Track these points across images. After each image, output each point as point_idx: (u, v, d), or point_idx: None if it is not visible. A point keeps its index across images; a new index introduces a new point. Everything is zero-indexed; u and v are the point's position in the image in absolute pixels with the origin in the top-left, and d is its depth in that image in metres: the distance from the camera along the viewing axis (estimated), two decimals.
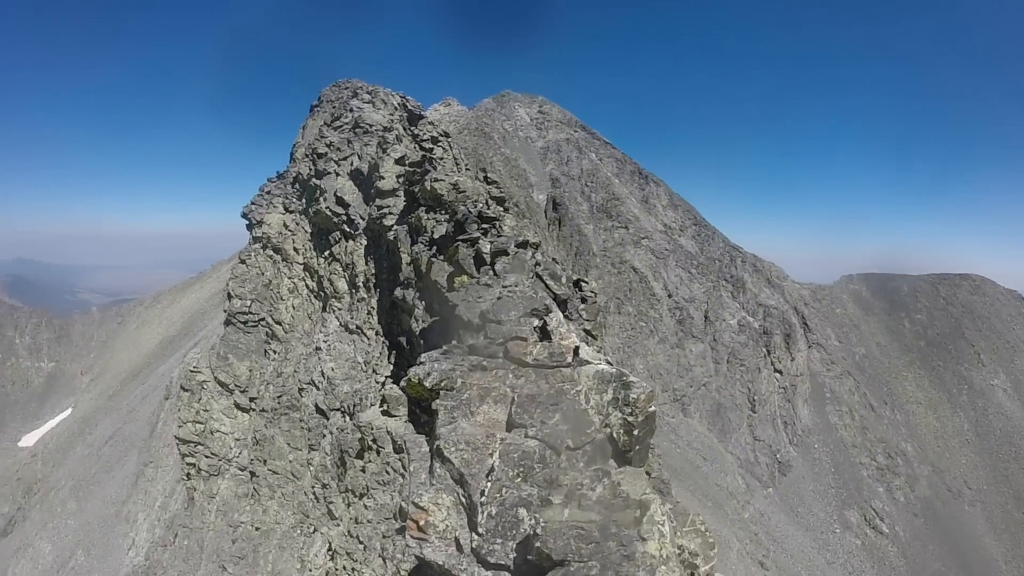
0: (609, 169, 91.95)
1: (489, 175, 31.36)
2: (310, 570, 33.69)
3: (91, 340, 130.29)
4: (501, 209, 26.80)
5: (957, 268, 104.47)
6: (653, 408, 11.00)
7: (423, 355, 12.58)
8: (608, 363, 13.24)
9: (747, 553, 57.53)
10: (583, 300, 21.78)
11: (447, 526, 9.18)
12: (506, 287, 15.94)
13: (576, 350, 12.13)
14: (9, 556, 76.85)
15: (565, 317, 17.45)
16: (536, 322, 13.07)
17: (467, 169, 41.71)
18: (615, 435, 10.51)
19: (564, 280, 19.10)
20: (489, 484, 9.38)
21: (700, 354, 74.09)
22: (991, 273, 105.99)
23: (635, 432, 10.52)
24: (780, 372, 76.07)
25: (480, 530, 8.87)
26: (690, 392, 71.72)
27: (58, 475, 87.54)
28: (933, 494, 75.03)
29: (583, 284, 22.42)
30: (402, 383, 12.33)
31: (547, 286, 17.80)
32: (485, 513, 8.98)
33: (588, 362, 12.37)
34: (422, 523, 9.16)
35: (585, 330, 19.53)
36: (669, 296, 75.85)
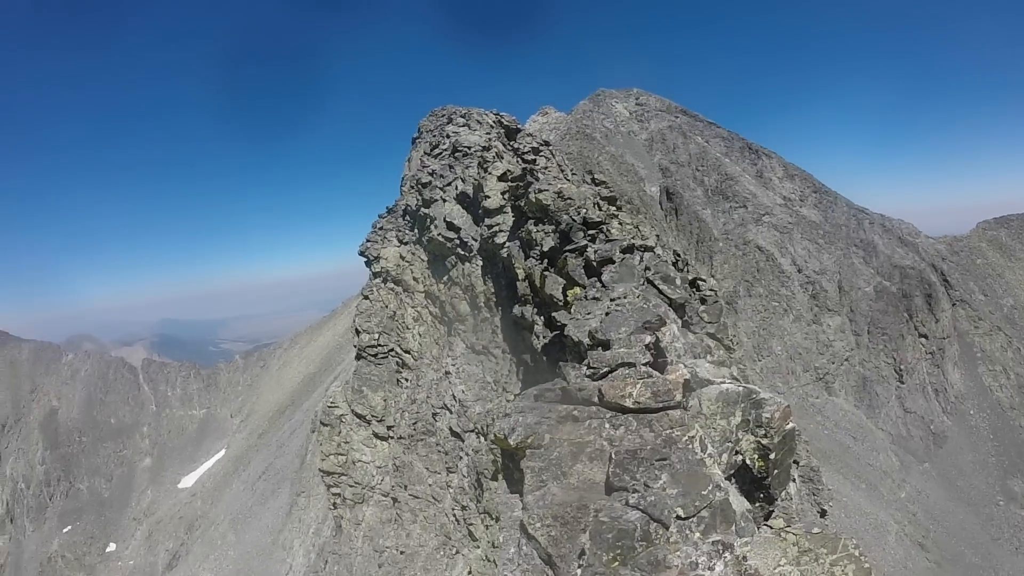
0: (717, 149, 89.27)
1: (596, 176, 30.82)
2: None
3: (237, 385, 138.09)
4: (613, 208, 26.20)
5: None
6: (791, 425, 9.77)
7: (510, 405, 11.31)
8: (734, 379, 12.01)
9: (906, 535, 54.13)
10: (703, 301, 19.78)
11: None
12: (614, 300, 14.99)
13: (686, 383, 10.23)
14: None
15: (684, 323, 16.39)
16: (648, 338, 11.74)
17: (573, 174, 41.25)
18: (748, 461, 9.58)
19: (679, 282, 17.83)
20: (580, 571, 7.96)
21: (839, 327, 70.40)
22: None
23: (772, 456, 9.47)
24: (925, 336, 71.25)
25: None
26: (832, 369, 68.26)
27: (217, 511, 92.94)
28: None
29: (701, 283, 20.55)
30: (490, 437, 11.71)
31: (660, 291, 16.67)
32: None
33: (710, 382, 10.98)
34: None
35: (708, 333, 17.81)
36: (799, 271, 72.57)
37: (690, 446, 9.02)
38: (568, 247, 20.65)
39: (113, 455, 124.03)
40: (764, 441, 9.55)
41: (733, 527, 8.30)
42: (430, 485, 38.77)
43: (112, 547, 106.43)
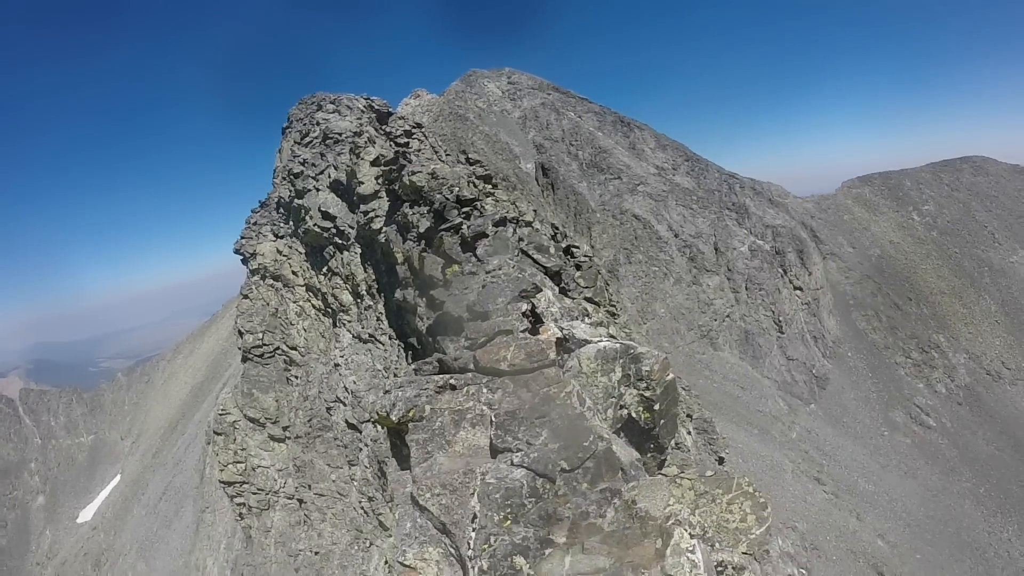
0: (590, 124, 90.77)
1: (470, 156, 30.87)
2: None
3: (123, 405, 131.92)
4: (489, 186, 26.26)
5: (956, 154, 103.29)
6: (671, 376, 9.90)
7: (388, 382, 11.50)
8: (611, 337, 12.19)
9: (801, 472, 57.25)
10: (578, 267, 19.97)
11: None
12: (490, 272, 14.99)
13: (559, 342, 10.31)
14: None
15: (561, 290, 16.53)
16: (524, 306, 11.82)
17: (447, 155, 41.13)
18: (634, 414, 9.64)
19: (553, 251, 17.95)
20: (474, 534, 7.92)
21: (717, 286, 73.22)
22: (991, 152, 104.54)
23: (656, 407, 9.57)
24: (800, 289, 75.22)
25: None
26: (715, 325, 70.99)
27: (122, 541, 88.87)
28: (973, 380, 74.47)
29: (575, 250, 20.78)
30: (372, 416, 11.63)
31: (535, 261, 16.87)
32: (476, 568, 7.66)
33: (587, 341, 11.02)
34: None
35: (586, 298, 18.04)
36: (675, 236, 74.90)
37: (568, 401, 9.02)
38: (443, 226, 20.56)
39: (3, 498, 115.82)
40: (647, 393, 9.67)
41: (619, 473, 8.40)
42: (334, 481, 38.23)
43: None
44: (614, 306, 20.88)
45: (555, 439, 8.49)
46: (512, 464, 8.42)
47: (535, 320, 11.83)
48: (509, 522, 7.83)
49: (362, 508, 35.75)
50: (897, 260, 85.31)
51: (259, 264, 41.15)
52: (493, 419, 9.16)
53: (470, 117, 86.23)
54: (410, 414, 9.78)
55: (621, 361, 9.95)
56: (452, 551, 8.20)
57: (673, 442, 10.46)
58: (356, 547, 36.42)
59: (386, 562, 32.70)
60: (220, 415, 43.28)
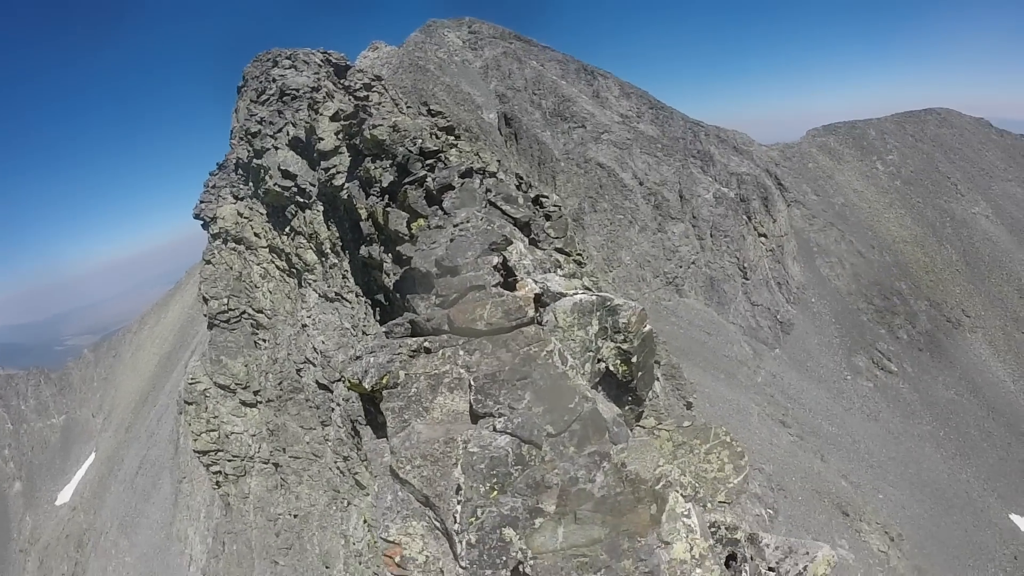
0: (553, 72, 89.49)
1: (432, 107, 30.17)
2: (353, 543, 33.71)
3: (92, 382, 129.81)
4: (451, 138, 25.69)
5: (921, 106, 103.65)
6: (648, 327, 9.63)
7: (359, 347, 10.91)
8: (586, 289, 11.83)
9: (767, 415, 58.13)
10: (547, 217, 19.25)
11: (427, 556, 7.56)
12: (458, 225, 14.49)
13: (537, 298, 9.76)
14: None
15: (531, 241, 16.08)
16: (495, 259, 11.26)
17: (408, 107, 40.29)
18: (612, 368, 9.39)
19: (522, 201, 17.38)
20: (460, 506, 7.56)
21: (683, 234, 73.13)
22: (956, 106, 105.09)
23: (634, 359, 9.32)
24: (765, 236, 75.36)
25: (463, 563, 7.25)
26: (680, 272, 71.15)
27: (103, 520, 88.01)
28: (934, 327, 75.61)
29: (544, 199, 20.11)
30: (345, 383, 11.11)
31: (503, 212, 16.29)
32: (463, 542, 7.36)
33: (562, 294, 10.61)
34: (398, 559, 7.53)
35: (557, 248, 17.45)
36: (640, 184, 74.51)
37: (550, 360, 8.64)
38: (407, 179, 20.04)
39: None
40: (624, 346, 9.45)
41: (607, 435, 8.01)
42: (308, 443, 38.02)
43: None
44: (580, 255, 20.43)
45: (539, 402, 8.15)
46: (495, 431, 8.03)
47: (507, 273, 11.40)
48: (496, 492, 7.54)
49: (338, 468, 35.63)
50: (861, 208, 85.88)
51: (220, 228, 40.29)
52: (472, 383, 8.67)
53: (430, 68, 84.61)
54: (383, 381, 9.26)
55: (598, 314, 9.68)
56: (437, 524, 7.83)
57: (650, 392, 10.21)
58: (334, 507, 36.38)
59: (365, 521, 32.70)
60: (190, 384, 42.74)
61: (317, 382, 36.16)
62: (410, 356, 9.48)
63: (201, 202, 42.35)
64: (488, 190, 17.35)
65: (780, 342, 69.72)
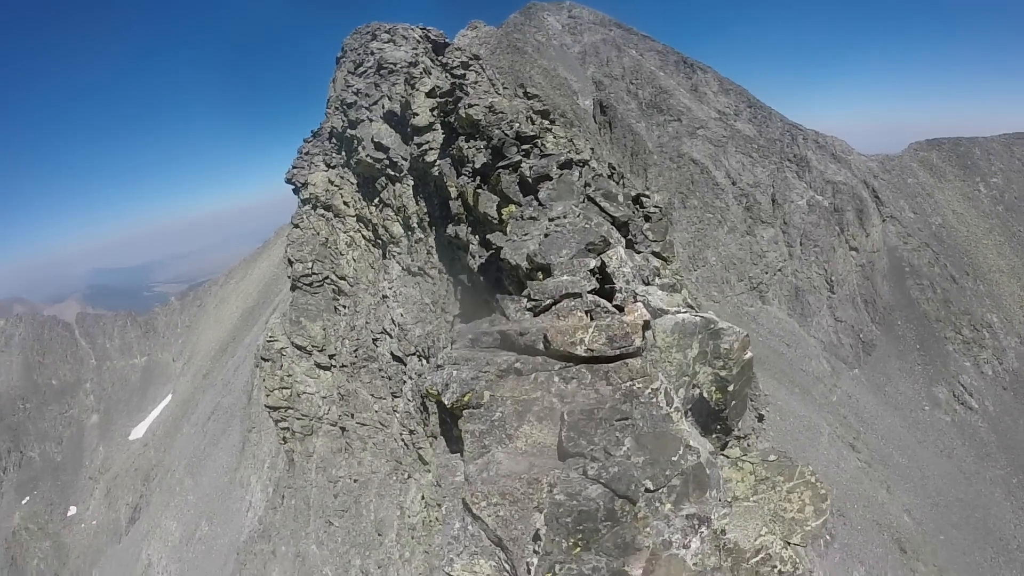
0: (652, 63, 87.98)
1: (529, 90, 29.94)
2: (408, 516, 34.09)
3: (176, 328, 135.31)
4: (546, 122, 25.43)
5: None
6: (749, 354, 8.91)
7: (441, 354, 9.41)
8: (688, 307, 10.87)
9: (837, 437, 55.98)
10: (647, 218, 17.90)
11: None
12: (553, 219, 13.75)
13: (646, 324, 8.59)
14: (141, 540, 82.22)
15: (628, 242, 15.25)
16: (592, 262, 10.68)
17: (505, 88, 40.13)
18: (706, 394, 8.71)
19: (622, 199, 16.43)
20: (536, 558, 6.83)
21: (772, 239, 71.07)
22: None
23: (730, 387, 8.64)
24: (856, 250, 72.33)
25: None
26: (766, 279, 69.25)
27: (171, 458, 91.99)
28: (1022, 366, 71.21)
29: (644, 199, 18.87)
30: (422, 390, 10.68)
31: (602, 209, 15.41)
32: None
33: (664, 311, 9.70)
34: None
35: (654, 252, 16.25)
36: (733, 184, 72.77)
37: (654, 400, 7.74)
38: (501, 163, 19.79)
39: (59, 417, 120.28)
40: (723, 373, 8.82)
41: (708, 493, 7.34)
42: (376, 411, 38.55)
43: (73, 510, 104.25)
44: (672, 257, 19.64)
45: (639, 450, 7.27)
46: (586, 476, 7.21)
47: (603, 279, 10.73)
48: (579, 549, 6.79)
49: (403, 440, 36.05)
50: (959, 231, 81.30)
51: (310, 194, 41.01)
52: (565, 416, 7.73)
53: (528, 50, 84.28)
54: (466, 399, 8.52)
55: (700, 336, 8.97)
56: (506, 569, 7.33)
57: (739, 422, 9.71)
58: (394, 478, 36.85)
59: (422, 497, 32.99)
60: (268, 342, 43.81)
61: (392, 353, 36.56)
62: (498, 376, 8.68)
63: (294, 167, 43.14)
64: (587, 184, 16.77)
65: (860, 362, 67.23)
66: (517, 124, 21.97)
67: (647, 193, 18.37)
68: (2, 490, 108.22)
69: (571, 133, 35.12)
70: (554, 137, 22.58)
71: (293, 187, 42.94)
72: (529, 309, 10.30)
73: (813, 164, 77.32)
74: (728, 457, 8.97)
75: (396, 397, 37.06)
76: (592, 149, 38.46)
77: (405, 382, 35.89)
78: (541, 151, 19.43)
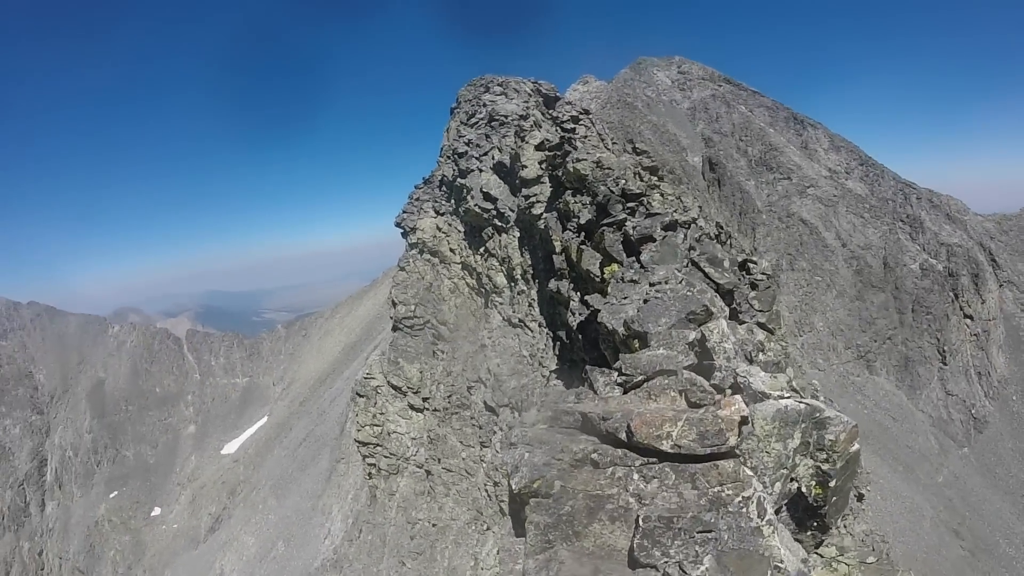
0: (761, 119, 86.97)
1: (637, 146, 29.91)
2: (482, 569, 33.81)
3: (279, 354, 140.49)
4: (655, 178, 25.27)
5: None
6: (856, 447, 8.25)
7: (516, 431, 8.67)
8: (793, 391, 10.19)
9: (941, 521, 52.31)
10: (753, 285, 17.01)
11: None
12: (654, 284, 13.29)
13: (743, 420, 7.58)
14: (217, 550, 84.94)
15: (732, 311, 14.78)
16: (692, 335, 10.14)
17: (614, 143, 40.29)
18: (804, 489, 8.14)
19: (728, 264, 15.86)
20: None
21: (882, 304, 68.06)
22: None
23: (832, 483, 8.01)
24: (971, 317, 68.13)
25: None
26: (875, 347, 66.07)
27: (258, 476, 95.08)
28: None
29: (751, 265, 18.02)
30: (500, 473, 10.17)
31: (706, 275, 14.94)
32: None
33: (765, 396, 8.97)
34: None
35: (759, 323, 15.42)
36: (843, 245, 70.48)
37: (744, 510, 6.88)
38: (605, 220, 19.73)
39: (158, 423, 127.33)
40: (825, 467, 8.21)
41: None
42: (463, 459, 38.63)
43: (157, 511, 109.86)
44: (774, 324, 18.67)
45: (720, 572, 6.44)
46: None
47: (702, 354, 10.17)
48: None
49: (486, 491, 35.97)
50: None
51: (418, 239, 41.94)
52: (641, 521, 6.81)
53: (638, 106, 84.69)
54: (535, 486, 7.65)
55: (803, 426, 8.35)
56: None
57: (839, 519, 9.06)
58: (474, 527, 36.73)
59: (498, 551, 32.69)
60: (365, 378, 44.75)
61: (485, 402, 36.70)
62: (572, 465, 7.83)
63: (404, 212, 44.26)
64: (691, 247, 16.45)
65: (970, 440, 62.93)
66: (624, 181, 21.89)
67: (754, 259, 17.65)
68: (93, 481, 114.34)
69: (679, 190, 34.95)
70: (661, 195, 22.36)
71: (402, 231, 44.01)
72: (619, 384, 9.70)
73: (927, 225, 73.91)
74: (822, 556, 8.44)
75: (484, 447, 37.09)
76: (700, 207, 38.10)
77: (495, 432, 35.91)
78: (647, 209, 19.21)
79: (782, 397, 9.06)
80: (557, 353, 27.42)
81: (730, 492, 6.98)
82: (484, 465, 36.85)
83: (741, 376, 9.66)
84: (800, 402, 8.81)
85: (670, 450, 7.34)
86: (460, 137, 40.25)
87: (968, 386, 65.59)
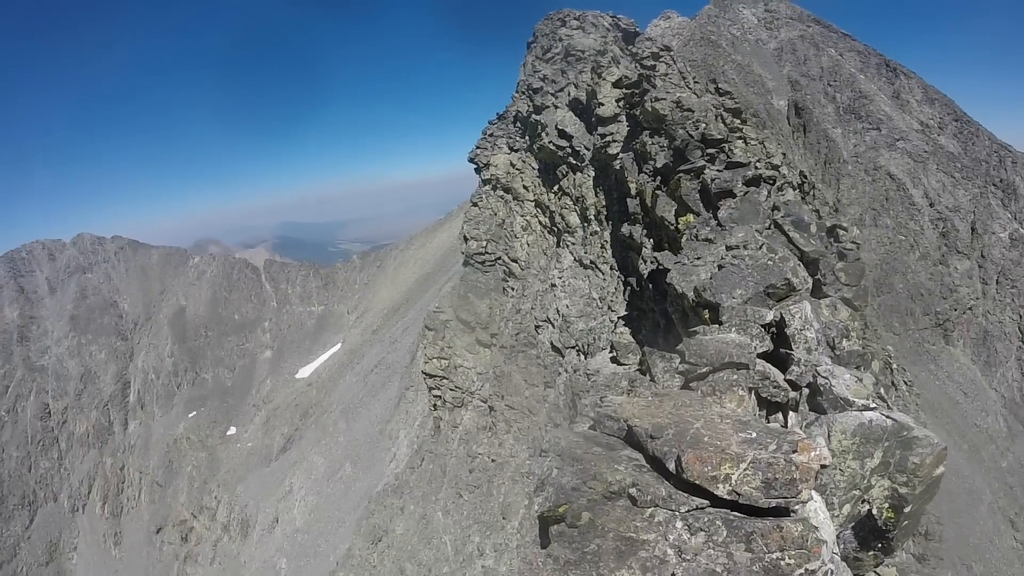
0: (852, 64, 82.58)
1: (721, 86, 28.76)
2: (536, 508, 34.21)
3: (354, 284, 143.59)
4: (738, 121, 24.37)
5: None
6: (941, 470, 7.24)
7: (549, 436, 7.31)
8: (880, 399, 9.15)
9: (998, 508, 49.57)
10: (841, 256, 15.09)
11: None
12: (732, 248, 12.00)
13: (824, 467, 6.06)
14: (287, 468, 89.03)
15: (816, 283, 13.22)
16: (770, 315, 8.96)
17: (696, 83, 39.02)
18: (875, 511, 7.16)
19: (814, 229, 14.14)
20: None
21: (966, 272, 64.25)
22: None
23: (907, 508, 7.04)
24: None
25: None
26: (954, 316, 62.25)
27: (330, 400, 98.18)
28: None
29: (841, 232, 16.54)
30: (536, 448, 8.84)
31: (790, 240, 13.40)
32: None
33: (847, 404, 7.91)
34: None
35: (844, 299, 13.66)
36: (931, 205, 66.83)
37: None
38: (683, 167, 19.00)
39: (236, 348, 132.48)
40: (903, 491, 7.16)
41: None
42: (527, 397, 38.89)
43: (232, 431, 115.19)
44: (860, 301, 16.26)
45: None
46: None
47: (779, 340, 9.09)
48: None
49: (547, 431, 36.20)
50: None
51: (491, 175, 41.72)
52: None
53: (722, 44, 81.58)
54: (560, 511, 6.34)
55: (886, 444, 7.35)
56: None
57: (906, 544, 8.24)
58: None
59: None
60: (435, 312, 45.28)
61: (552, 343, 36.72)
62: (605, 497, 6.36)
63: (478, 147, 43.99)
64: (776, 207, 15.08)
65: None
66: (704, 125, 21.02)
67: (844, 225, 16.12)
68: (173, 402, 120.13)
69: (763, 135, 33.70)
70: (744, 143, 21.49)
71: (475, 167, 43.83)
72: (681, 372, 8.51)
73: (1021, 192, 69.29)
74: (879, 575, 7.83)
75: (548, 387, 37.22)
76: (784, 154, 36.83)
77: (560, 374, 35.96)
78: (728, 157, 18.32)
79: (867, 408, 8.05)
80: (627, 299, 27.11)
81: (791, 562, 5.53)
82: (547, 405, 37.04)
83: (823, 377, 8.68)
84: (887, 416, 7.80)
85: (726, 496, 5.95)
86: (535, 72, 39.55)
87: None
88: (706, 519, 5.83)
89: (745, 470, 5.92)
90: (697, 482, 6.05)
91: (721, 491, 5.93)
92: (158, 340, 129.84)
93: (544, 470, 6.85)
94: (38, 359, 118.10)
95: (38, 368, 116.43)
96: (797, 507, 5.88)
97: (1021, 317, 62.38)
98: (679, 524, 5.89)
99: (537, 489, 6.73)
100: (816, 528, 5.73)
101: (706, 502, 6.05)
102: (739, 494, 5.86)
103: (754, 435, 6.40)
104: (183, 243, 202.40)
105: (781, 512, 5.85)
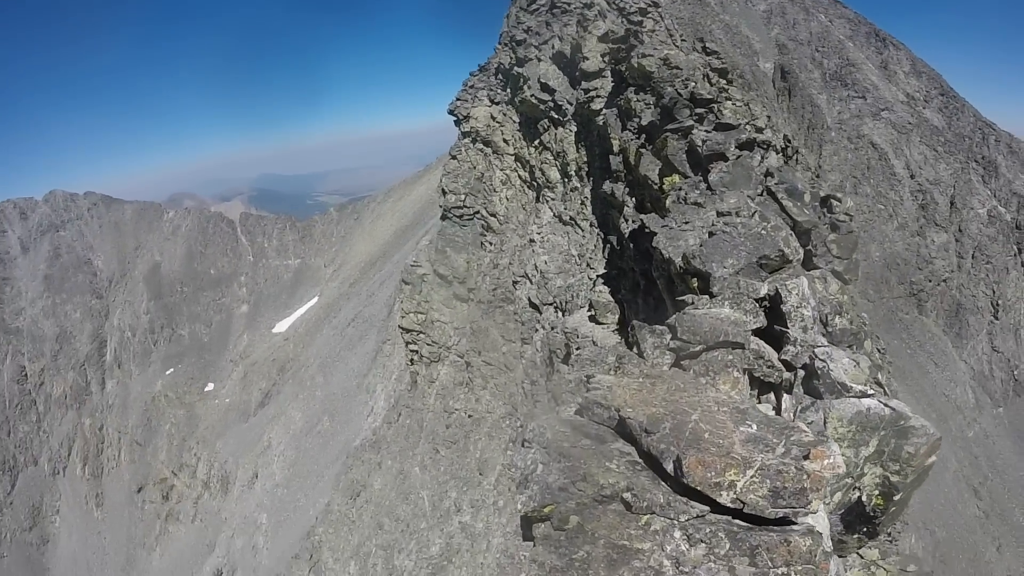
0: (841, 31, 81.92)
1: (708, 45, 28.28)
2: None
3: (331, 236, 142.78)
4: (724, 81, 23.97)
5: None
6: (933, 459, 7.07)
7: (532, 424, 6.75)
8: (878, 385, 8.69)
9: (963, 476, 50.81)
10: (834, 227, 14.50)
11: None
12: (723, 214, 11.60)
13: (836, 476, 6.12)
14: (266, 423, 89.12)
15: (807, 254, 12.83)
16: (764, 288, 8.58)
17: (683, 40, 38.36)
18: (865, 498, 6.95)
19: (808, 199, 13.77)
20: None
21: (943, 245, 64.49)
22: None
23: (897, 496, 6.87)
24: None
25: None
26: (928, 287, 62.98)
27: (307, 354, 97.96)
28: None
29: (834, 202, 15.80)
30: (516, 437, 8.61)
31: (783, 208, 12.97)
32: None
33: (845, 389, 7.56)
34: None
35: (834, 271, 13.07)
36: (911, 176, 66.78)
37: None
38: (670, 125, 18.57)
39: (212, 303, 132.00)
40: (894, 479, 7.03)
41: None
42: (504, 353, 38.78)
43: (210, 387, 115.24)
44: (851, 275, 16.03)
45: None
46: None
47: (773, 315, 8.69)
48: None
49: (523, 388, 36.12)
50: None
51: (471, 127, 40.97)
52: None
53: (711, 3, 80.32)
54: (545, 511, 5.85)
55: (882, 433, 7.11)
56: None
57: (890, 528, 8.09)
58: (507, 423, 37.19)
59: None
60: (412, 266, 44.87)
61: (529, 299, 36.46)
62: (598, 501, 5.85)
63: (458, 99, 43.11)
64: (769, 173, 14.54)
65: (1007, 401, 60.10)
66: (692, 83, 20.61)
67: (838, 195, 15.53)
68: (151, 360, 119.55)
69: (748, 97, 33.29)
70: (732, 104, 21.11)
71: (455, 119, 43.05)
72: (672, 349, 8.12)
73: (1002, 171, 69.52)
74: (862, 558, 7.66)
75: (525, 343, 37.07)
76: (769, 116, 36.47)
77: (537, 331, 35.78)
78: (717, 118, 17.86)
79: (864, 395, 7.73)
80: (606, 257, 26.81)
81: (796, 572, 5.15)
82: (524, 361, 36.93)
83: (820, 360, 8.26)
84: (885, 405, 7.50)
85: (729, 503, 5.56)
86: (519, 24, 38.62)
87: (1016, 345, 62.72)
88: (708, 529, 5.42)
89: (752, 477, 5.56)
90: (699, 488, 5.68)
91: (724, 498, 5.58)
92: (133, 297, 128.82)
93: (528, 464, 6.34)
94: (12, 321, 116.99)
95: (13, 330, 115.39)
96: (806, 517, 5.51)
97: (994, 292, 63.05)
98: (678, 534, 5.48)
99: (520, 486, 6.22)
100: (822, 536, 5.42)
101: (706, 508, 5.69)
102: (744, 503, 5.51)
103: (755, 429, 6.07)
104: (158, 197, 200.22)
105: (786, 521, 5.51)
